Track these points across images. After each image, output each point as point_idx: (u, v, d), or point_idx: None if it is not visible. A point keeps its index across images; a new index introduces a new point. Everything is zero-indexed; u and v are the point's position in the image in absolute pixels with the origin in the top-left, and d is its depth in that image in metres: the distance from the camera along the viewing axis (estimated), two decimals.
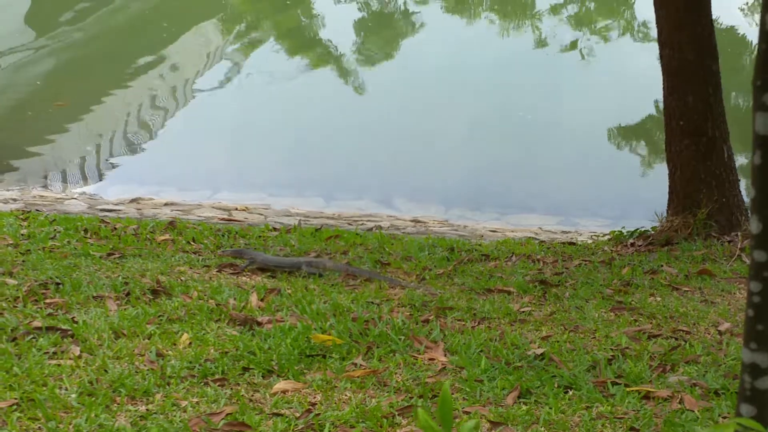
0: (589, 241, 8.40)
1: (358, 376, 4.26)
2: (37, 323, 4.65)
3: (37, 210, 8.58)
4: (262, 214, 9.58)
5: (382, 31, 19.88)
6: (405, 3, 21.46)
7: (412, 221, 9.68)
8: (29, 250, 6.45)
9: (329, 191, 11.02)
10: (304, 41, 19.06)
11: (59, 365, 4.15)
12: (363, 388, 4.17)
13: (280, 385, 4.12)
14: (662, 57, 7.79)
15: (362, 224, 9.07)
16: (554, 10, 20.99)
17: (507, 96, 15.28)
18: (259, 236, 7.56)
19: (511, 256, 7.26)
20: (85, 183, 11.42)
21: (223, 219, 9.09)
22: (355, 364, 4.43)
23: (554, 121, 14.08)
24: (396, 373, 4.35)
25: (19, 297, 5.13)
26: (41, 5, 21.00)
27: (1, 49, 17.60)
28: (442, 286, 6.15)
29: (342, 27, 19.44)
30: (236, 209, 9.79)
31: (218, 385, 4.08)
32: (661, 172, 8.71)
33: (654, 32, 8.32)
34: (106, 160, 12.45)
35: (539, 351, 4.67)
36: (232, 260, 6.37)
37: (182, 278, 5.89)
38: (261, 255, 6.29)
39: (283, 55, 18.12)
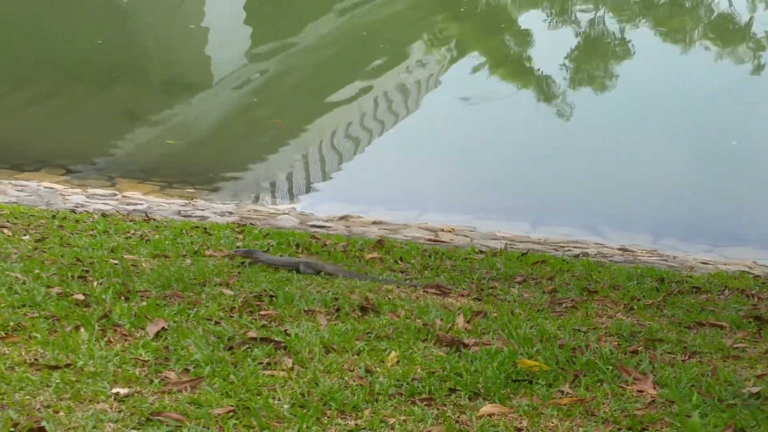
0: None
1: (564, 404, 4.22)
2: (252, 334, 4.80)
3: (251, 223, 8.88)
4: (467, 237, 9.61)
5: (591, 55, 19.70)
6: (619, 28, 21.19)
7: (619, 249, 9.51)
8: (244, 262, 6.69)
9: (536, 216, 10.95)
10: (512, 63, 19.08)
11: (273, 376, 4.28)
12: (570, 416, 4.12)
13: (487, 408, 4.12)
14: None
15: (569, 250, 8.97)
16: None
17: (721, 124, 14.88)
18: (465, 258, 7.59)
19: (724, 289, 7.04)
20: (295, 199, 11.75)
21: (429, 240, 9.16)
22: (562, 392, 4.38)
23: None
24: (603, 403, 4.28)
25: (235, 307, 5.32)
26: (256, 16, 21.77)
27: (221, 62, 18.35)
28: (650, 317, 6.02)
29: (550, 50, 19.37)
30: (442, 230, 9.85)
31: (425, 405, 4.11)
32: None
33: None
34: (316, 176, 12.78)
35: (754, 389, 4.50)
36: (242, 258, 6.81)
37: (390, 296, 5.99)
38: (265, 255, 6.87)
39: (490, 76, 18.17)
